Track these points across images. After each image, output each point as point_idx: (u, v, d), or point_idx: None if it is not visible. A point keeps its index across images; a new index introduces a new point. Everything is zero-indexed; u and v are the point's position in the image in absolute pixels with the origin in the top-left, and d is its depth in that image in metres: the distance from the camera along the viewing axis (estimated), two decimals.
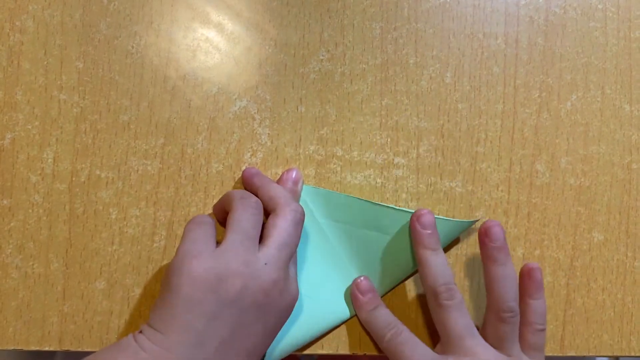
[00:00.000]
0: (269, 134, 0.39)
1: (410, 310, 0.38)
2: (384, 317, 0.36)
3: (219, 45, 0.39)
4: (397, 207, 0.37)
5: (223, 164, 0.38)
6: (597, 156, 0.39)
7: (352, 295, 0.37)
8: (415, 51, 0.40)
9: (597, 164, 0.39)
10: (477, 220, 0.37)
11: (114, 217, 0.38)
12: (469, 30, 0.40)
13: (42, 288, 0.37)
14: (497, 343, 0.34)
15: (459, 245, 0.39)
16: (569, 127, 0.39)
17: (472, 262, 0.39)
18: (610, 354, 0.39)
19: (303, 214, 0.34)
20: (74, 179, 0.38)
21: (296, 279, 0.34)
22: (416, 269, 0.37)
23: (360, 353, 0.38)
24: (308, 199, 0.38)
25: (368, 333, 0.37)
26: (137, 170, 0.38)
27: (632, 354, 0.39)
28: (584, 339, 0.38)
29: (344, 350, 0.38)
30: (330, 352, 0.38)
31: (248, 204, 0.33)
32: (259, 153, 0.39)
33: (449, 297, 0.34)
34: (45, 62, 0.38)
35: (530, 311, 0.35)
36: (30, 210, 0.38)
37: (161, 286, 0.32)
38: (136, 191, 0.38)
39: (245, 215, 0.33)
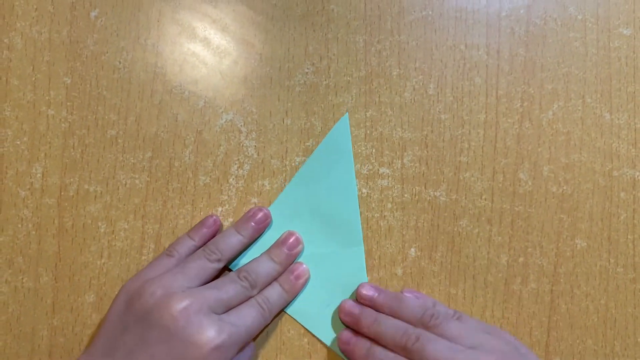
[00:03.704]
0: (255, 146, 0.39)
1: None
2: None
3: (205, 60, 0.40)
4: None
5: (210, 177, 0.39)
6: (579, 164, 0.40)
7: (341, 346, 0.37)
8: (399, 63, 0.40)
9: (578, 172, 0.40)
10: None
11: (102, 230, 0.38)
12: (451, 42, 0.41)
13: (32, 302, 0.38)
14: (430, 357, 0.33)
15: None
16: (551, 136, 0.40)
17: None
18: (594, 359, 0.39)
19: (267, 317, 0.36)
20: (62, 193, 0.38)
21: (222, 338, 0.32)
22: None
23: None
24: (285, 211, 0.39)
25: None
26: (125, 184, 0.39)
27: (616, 359, 0.39)
28: (569, 344, 0.39)
29: None
30: None
31: (212, 252, 0.36)
32: (245, 165, 0.39)
33: (414, 342, 0.33)
34: (34, 78, 0.39)
35: (408, 319, 0.35)
36: (19, 225, 0.38)
37: None
38: (124, 205, 0.38)
39: (200, 260, 0.35)
